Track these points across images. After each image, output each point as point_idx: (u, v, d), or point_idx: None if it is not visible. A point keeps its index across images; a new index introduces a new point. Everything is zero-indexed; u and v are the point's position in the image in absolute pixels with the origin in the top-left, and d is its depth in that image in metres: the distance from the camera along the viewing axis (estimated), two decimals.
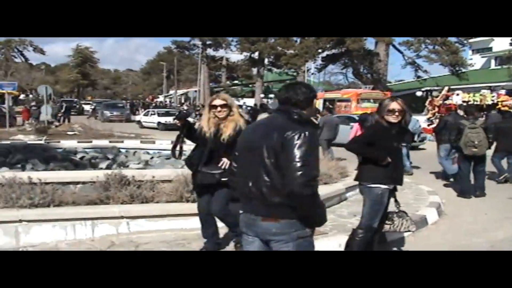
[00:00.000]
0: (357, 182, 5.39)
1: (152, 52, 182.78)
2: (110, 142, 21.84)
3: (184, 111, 5.21)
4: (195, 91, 57.07)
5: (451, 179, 11.29)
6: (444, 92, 27.10)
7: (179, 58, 70.30)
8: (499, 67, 40.65)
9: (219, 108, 5.19)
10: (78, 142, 16.30)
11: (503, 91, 27.61)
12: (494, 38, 42.36)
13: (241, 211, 3.35)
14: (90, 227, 6.28)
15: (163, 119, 32.44)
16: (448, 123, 11.50)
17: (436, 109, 26.37)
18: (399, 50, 37.36)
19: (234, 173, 3.42)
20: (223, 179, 4.91)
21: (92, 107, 48.28)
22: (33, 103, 39.06)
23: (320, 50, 37.83)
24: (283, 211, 3.09)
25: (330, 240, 6.27)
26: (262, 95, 49.25)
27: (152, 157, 12.04)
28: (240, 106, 35.84)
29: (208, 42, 51.85)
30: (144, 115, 35.66)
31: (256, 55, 48.72)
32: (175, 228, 6.55)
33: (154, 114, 34.48)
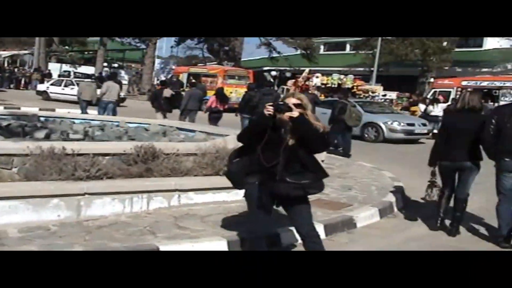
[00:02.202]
0: None
1: None
2: None
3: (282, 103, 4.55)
4: (30, 53, 53.04)
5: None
6: (305, 74, 29.08)
7: None
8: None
9: None
10: None
11: (351, 76, 30.22)
12: None
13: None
14: (146, 200, 6.25)
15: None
16: None
17: (298, 89, 28.24)
18: None
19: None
20: (311, 190, 4.40)
21: None
22: None
23: None
24: None
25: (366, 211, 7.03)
26: (106, 64, 47.61)
27: (85, 127, 11.61)
28: (91, 77, 34.20)
29: None
30: (53, 84, 30.06)
31: None
32: (218, 200, 6.78)
33: (72, 84, 28.42)
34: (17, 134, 10.39)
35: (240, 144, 4.74)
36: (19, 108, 19.90)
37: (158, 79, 41.96)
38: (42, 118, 12.61)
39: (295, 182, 4.26)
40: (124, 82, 37.68)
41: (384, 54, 31.84)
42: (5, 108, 19.95)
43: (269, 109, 4.25)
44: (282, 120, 4.26)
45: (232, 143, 7.45)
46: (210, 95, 23.37)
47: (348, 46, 48.80)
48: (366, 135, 17.67)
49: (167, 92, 17.06)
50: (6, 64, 56.41)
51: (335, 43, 48.58)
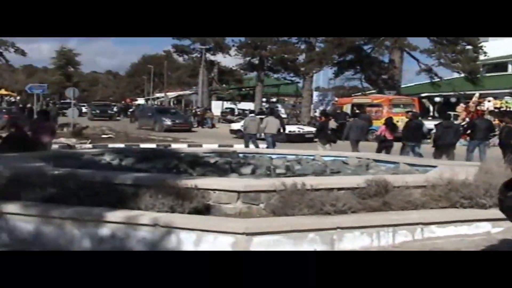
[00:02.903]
0: None
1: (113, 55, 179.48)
2: (157, 145, 21.96)
3: None
4: (194, 93, 56.71)
5: None
6: (475, 98, 27.88)
7: (162, 61, 69.92)
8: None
9: None
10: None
11: None
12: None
13: None
14: (391, 234, 6.27)
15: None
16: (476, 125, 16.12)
17: (471, 114, 27.15)
18: (414, 57, 38.22)
19: None
20: None
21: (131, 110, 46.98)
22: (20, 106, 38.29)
23: (336, 56, 38.24)
24: None
25: None
26: (264, 99, 49.46)
27: (284, 162, 11.99)
28: (254, 112, 35.67)
29: (207, 46, 51.74)
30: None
31: (256, 59, 49.17)
32: (459, 234, 6.62)
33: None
34: (225, 171, 11.03)
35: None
36: (201, 146, 21.18)
37: (315, 111, 42.70)
38: (240, 155, 13.30)
39: None
40: (283, 116, 38.60)
41: None
42: (189, 146, 21.44)
43: None
44: None
45: (463, 174, 7.31)
46: (376, 125, 23.46)
47: (510, 66, 46.21)
48: None
49: (332, 124, 18.30)
50: (172, 104, 60.78)
51: (494, 64, 46.17)
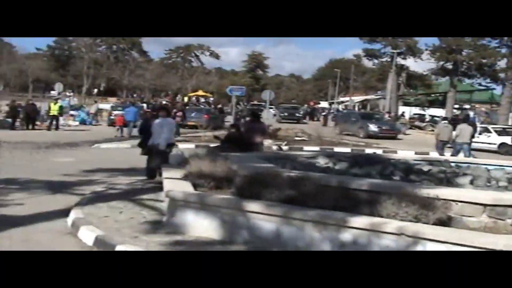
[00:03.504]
0: None
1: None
2: (351, 150, 21.92)
3: None
4: (381, 98, 55.94)
5: None
6: None
7: (348, 66, 69.93)
8: None
9: None
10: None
11: None
12: None
13: None
14: None
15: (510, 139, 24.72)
16: None
17: None
18: None
19: None
20: None
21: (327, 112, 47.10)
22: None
23: None
24: None
25: None
26: (456, 106, 47.05)
27: (505, 174, 11.20)
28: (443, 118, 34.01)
29: (399, 50, 50.55)
30: None
31: (450, 64, 46.93)
32: None
33: (488, 131, 25.91)
34: (440, 180, 10.58)
35: None
36: (395, 152, 20.74)
37: None
38: (452, 164, 12.72)
39: None
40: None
41: None
42: (383, 152, 21.10)
43: None
44: None
45: None
46: None
47: None
48: None
49: None
50: (357, 109, 60.51)
51: None
